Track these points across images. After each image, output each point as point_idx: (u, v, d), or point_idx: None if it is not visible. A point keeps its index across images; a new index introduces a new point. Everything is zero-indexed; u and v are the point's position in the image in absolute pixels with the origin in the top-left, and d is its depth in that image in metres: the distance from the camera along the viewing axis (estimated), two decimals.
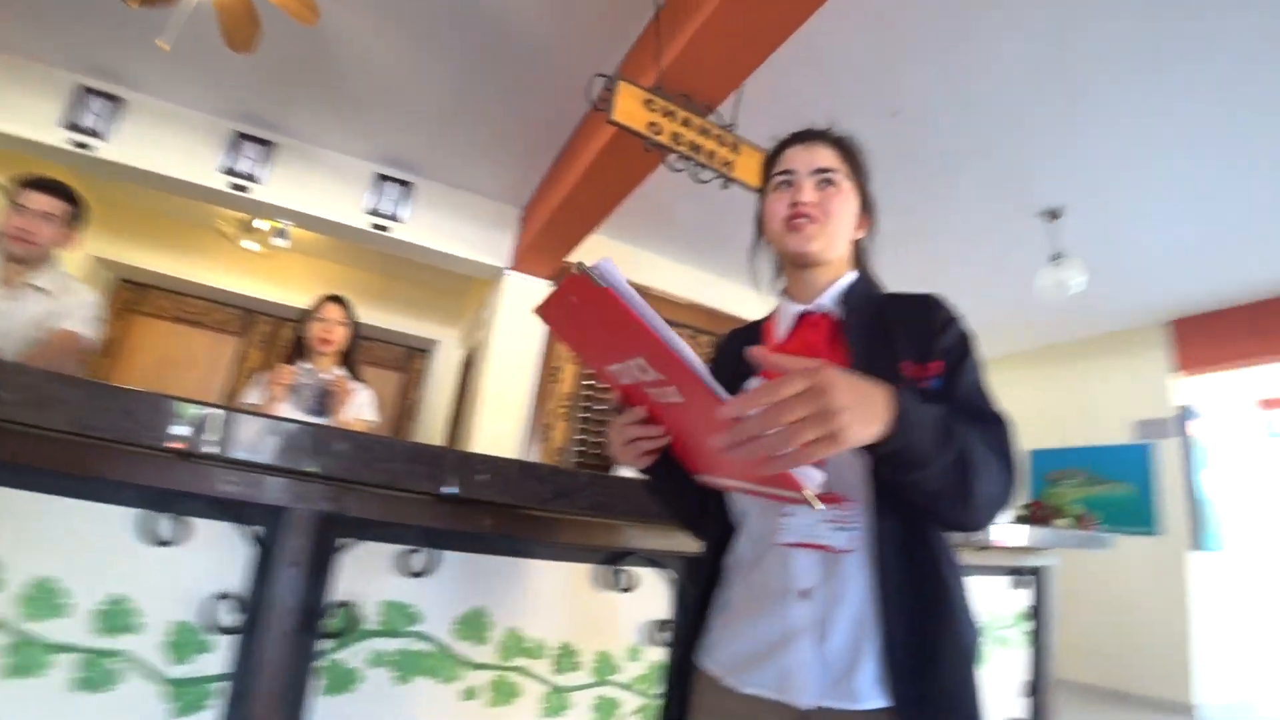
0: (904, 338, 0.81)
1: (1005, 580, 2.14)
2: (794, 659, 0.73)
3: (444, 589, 1.07)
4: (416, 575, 1.05)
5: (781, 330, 0.91)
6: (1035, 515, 3.65)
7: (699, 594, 0.88)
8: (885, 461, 0.64)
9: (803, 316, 0.90)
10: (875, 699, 0.70)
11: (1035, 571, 2.24)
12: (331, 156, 3.96)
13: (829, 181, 0.89)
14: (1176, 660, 4.46)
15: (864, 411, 0.57)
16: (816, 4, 2.08)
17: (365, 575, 1.02)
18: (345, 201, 3.94)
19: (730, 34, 2.24)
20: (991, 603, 2.03)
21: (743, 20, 2.17)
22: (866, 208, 0.95)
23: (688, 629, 0.88)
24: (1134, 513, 4.75)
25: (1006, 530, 1.78)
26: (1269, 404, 6.89)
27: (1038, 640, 2.12)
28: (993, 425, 0.74)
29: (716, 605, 0.86)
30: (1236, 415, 5.93)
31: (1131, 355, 5.24)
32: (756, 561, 0.82)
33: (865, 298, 0.89)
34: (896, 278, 0.96)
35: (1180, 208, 3.63)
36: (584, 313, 0.63)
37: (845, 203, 0.90)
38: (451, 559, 1.09)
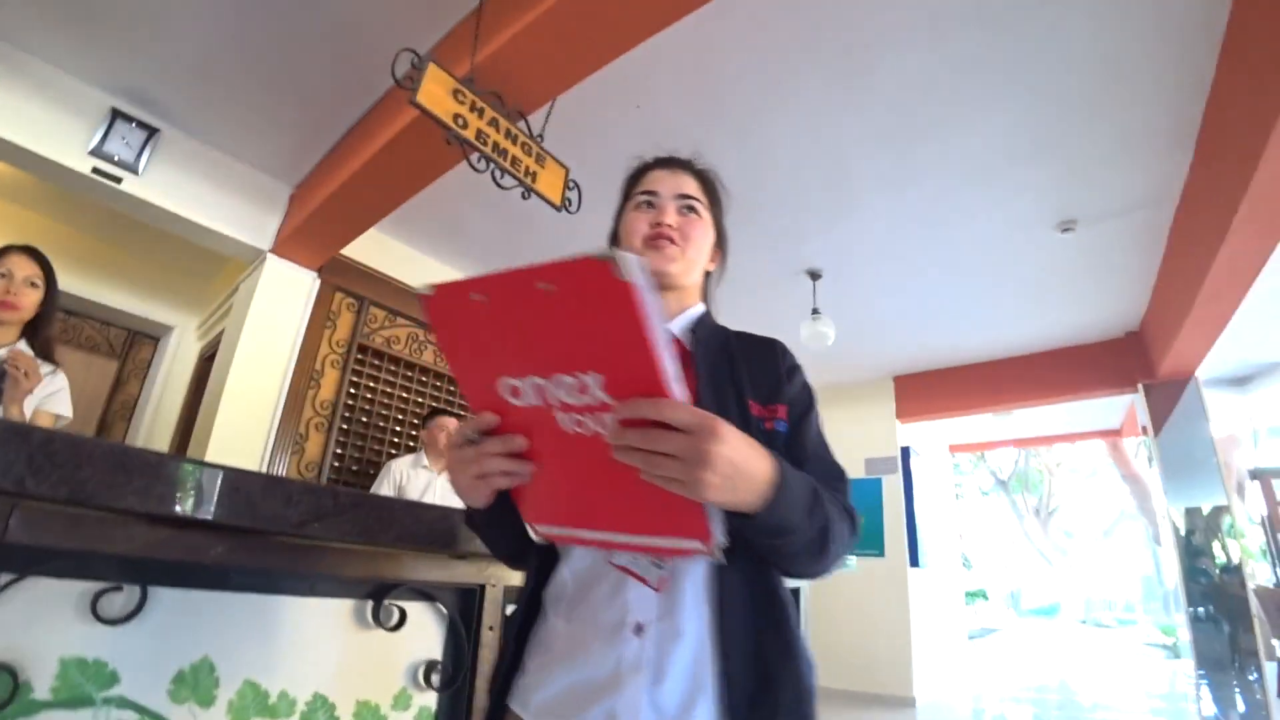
0: (750, 377, 0.81)
1: None
2: (623, 702, 0.66)
3: (154, 638, 0.83)
4: (115, 622, 0.80)
5: None
6: None
7: (514, 630, 0.78)
8: (752, 529, 0.62)
9: None
10: None
11: (794, 592, 2.45)
12: (50, 72, 3.04)
13: (691, 208, 0.92)
14: (901, 662, 5.25)
15: (735, 480, 0.56)
16: (644, 35, 2.13)
17: (36, 625, 0.75)
18: (62, 133, 3.05)
19: (554, 42, 2.19)
20: None
21: (569, 31, 2.13)
22: (720, 242, 0.99)
23: (500, 670, 0.77)
24: (868, 538, 5.50)
25: None
26: (956, 448, 8.47)
27: None
28: (839, 482, 0.77)
29: (533, 642, 0.77)
30: (934, 456, 7.21)
31: (867, 402, 6.12)
32: (583, 594, 0.74)
33: (712, 330, 0.89)
34: None
35: (908, 286, 4.38)
36: (544, 307, 0.50)
37: (705, 231, 0.93)
38: (166, 598, 0.85)
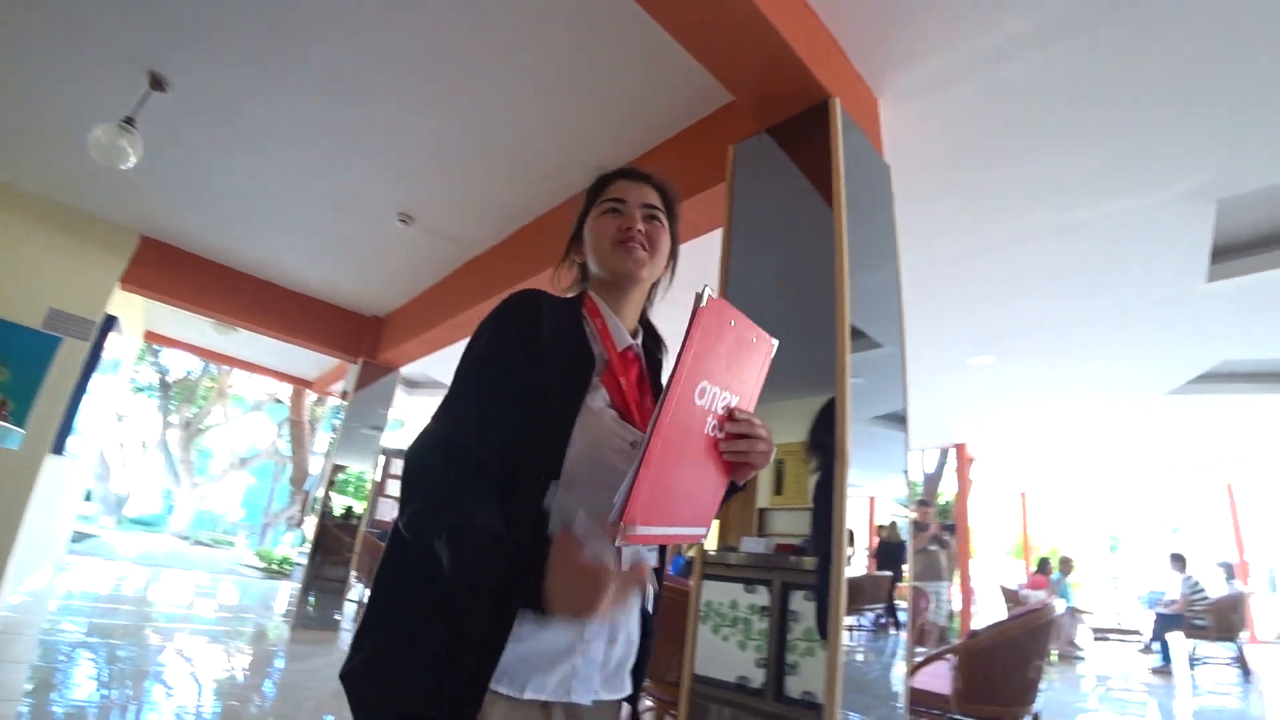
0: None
1: None
2: (584, 661, 0.81)
3: None
4: None
5: (617, 346, 0.97)
6: None
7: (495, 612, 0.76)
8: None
9: (626, 348, 0.99)
10: (628, 688, 0.89)
11: None
12: None
13: (655, 218, 1.01)
14: None
15: None
16: None
17: None
18: None
19: None
20: None
21: None
22: (672, 253, 1.07)
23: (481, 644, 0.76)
24: (18, 407, 4.17)
25: None
26: (152, 337, 7.65)
27: None
28: None
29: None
30: (130, 336, 6.34)
31: (90, 244, 4.80)
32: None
33: (651, 347, 1.06)
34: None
35: (252, 171, 3.97)
36: (745, 346, 0.79)
37: (666, 240, 1.02)
38: None
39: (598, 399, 0.88)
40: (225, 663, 4.14)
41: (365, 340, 6.02)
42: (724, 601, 1.97)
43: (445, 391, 0.87)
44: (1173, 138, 2.74)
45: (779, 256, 2.16)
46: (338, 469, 5.93)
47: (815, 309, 1.96)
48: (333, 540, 5.74)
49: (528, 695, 0.77)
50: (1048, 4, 2.08)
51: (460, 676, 0.74)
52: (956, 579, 7.86)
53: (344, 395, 6.23)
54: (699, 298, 0.71)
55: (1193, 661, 7.08)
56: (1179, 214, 3.29)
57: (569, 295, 1.04)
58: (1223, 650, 6.97)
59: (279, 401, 14.75)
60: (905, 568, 2.29)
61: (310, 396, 11.82)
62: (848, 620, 1.87)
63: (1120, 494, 15.15)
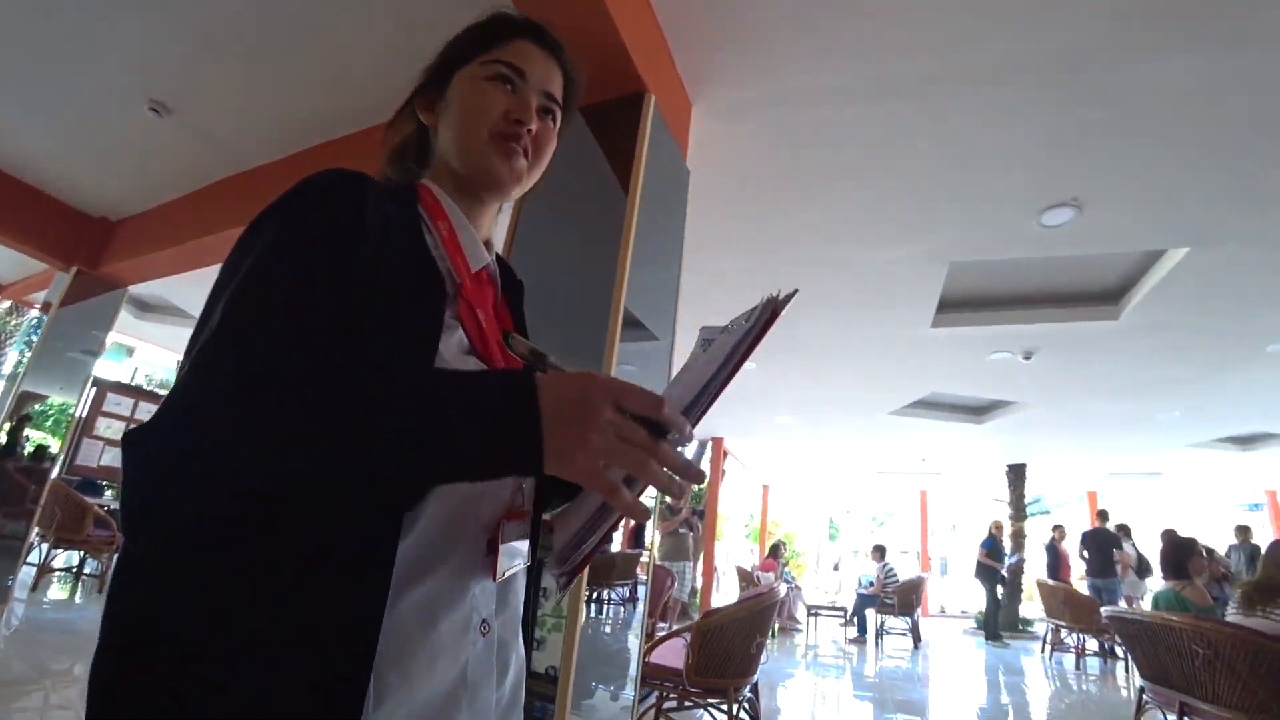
0: (519, 321, 0.82)
1: None
2: (473, 715, 0.56)
3: None
4: None
5: (472, 264, 0.71)
6: None
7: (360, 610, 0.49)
8: None
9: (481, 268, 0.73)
10: None
11: None
12: None
13: (550, 112, 0.75)
14: None
15: None
16: None
17: None
18: None
19: None
20: None
21: None
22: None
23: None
24: None
25: None
26: None
27: None
28: None
29: (395, 641, 0.51)
30: None
31: None
32: (418, 581, 0.55)
33: (506, 265, 0.84)
34: None
35: None
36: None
37: (552, 147, 0.77)
38: None
39: (452, 343, 0.61)
40: None
41: (85, 245, 4.93)
42: None
43: (191, 330, 0.53)
44: (922, 210, 3.28)
45: (569, 233, 2.14)
46: (29, 398, 4.84)
47: (596, 292, 1.97)
48: (12, 486, 4.65)
49: None
50: (860, 70, 2.33)
51: None
52: (701, 559, 8.65)
53: (45, 307, 5.07)
54: (774, 301, 0.54)
55: (880, 632, 8.48)
56: (920, 269, 3.92)
57: (392, 179, 0.74)
58: (902, 623, 8.41)
59: None
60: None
61: (1, 304, 9.50)
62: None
63: (842, 491, 17.74)
